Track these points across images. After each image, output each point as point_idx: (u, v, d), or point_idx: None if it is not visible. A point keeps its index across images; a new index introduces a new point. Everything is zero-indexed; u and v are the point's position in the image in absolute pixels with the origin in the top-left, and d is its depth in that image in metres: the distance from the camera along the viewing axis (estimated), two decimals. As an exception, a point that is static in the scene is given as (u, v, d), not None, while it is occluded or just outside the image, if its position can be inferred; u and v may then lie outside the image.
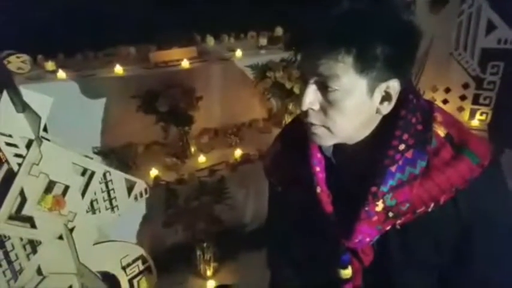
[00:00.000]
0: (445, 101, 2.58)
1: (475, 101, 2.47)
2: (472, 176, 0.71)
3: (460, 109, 2.54)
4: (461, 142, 0.73)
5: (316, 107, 0.71)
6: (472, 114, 2.50)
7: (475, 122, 2.47)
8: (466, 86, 2.48)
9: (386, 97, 0.71)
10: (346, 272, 0.82)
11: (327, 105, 0.70)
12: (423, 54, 2.42)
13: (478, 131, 2.39)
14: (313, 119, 0.72)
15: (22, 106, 1.19)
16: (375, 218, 0.73)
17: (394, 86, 0.69)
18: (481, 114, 2.48)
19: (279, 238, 0.99)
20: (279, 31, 2.71)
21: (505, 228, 0.77)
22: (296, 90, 2.22)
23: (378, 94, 0.70)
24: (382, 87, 0.69)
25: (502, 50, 2.32)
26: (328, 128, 0.72)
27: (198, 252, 1.87)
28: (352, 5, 0.65)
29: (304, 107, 0.71)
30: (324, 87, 0.69)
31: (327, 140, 0.74)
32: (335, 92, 0.68)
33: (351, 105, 0.69)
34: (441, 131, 0.74)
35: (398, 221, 0.74)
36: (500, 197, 0.76)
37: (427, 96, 2.57)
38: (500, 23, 2.29)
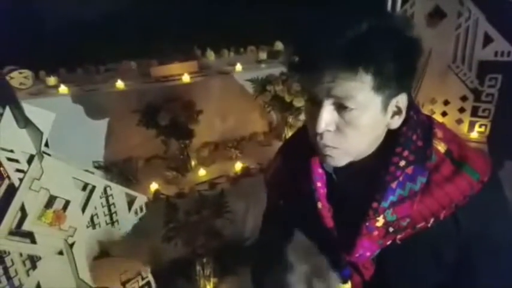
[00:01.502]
0: (444, 114, 2.59)
1: (474, 113, 2.48)
2: (472, 192, 0.71)
3: (459, 121, 2.55)
4: (461, 158, 0.73)
5: (332, 127, 0.69)
6: (471, 127, 2.50)
7: (474, 134, 2.48)
8: (464, 98, 2.49)
9: (397, 111, 0.72)
10: (346, 287, 0.81)
11: (344, 124, 0.69)
12: (422, 67, 2.44)
13: (477, 143, 2.39)
14: (329, 140, 0.70)
15: (24, 121, 1.20)
16: (376, 233, 0.73)
17: (403, 100, 0.71)
18: (480, 126, 2.48)
19: (275, 252, 0.98)
20: (278, 45, 2.74)
21: (505, 244, 0.77)
22: (296, 103, 2.24)
23: (390, 109, 0.71)
24: (393, 102, 0.70)
25: (500, 62, 2.33)
26: (343, 148, 0.71)
27: (198, 268, 1.86)
28: (369, 26, 0.65)
29: (320, 130, 0.68)
30: (340, 107, 0.68)
31: (341, 160, 0.73)
32: (352, 111, 0.67)
33: (368, 123, 0.69)
34: (441, 147, 0.74)
35: (399, 236, 0.74)
36: (500, 213, 0.76)
37: (426, 108, 2.59)
38: (496, 36, 2.32)
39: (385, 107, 0.69)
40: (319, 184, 0.79)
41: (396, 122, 0.73)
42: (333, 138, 0.70)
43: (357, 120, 0.68)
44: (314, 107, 0.70)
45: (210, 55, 2.63)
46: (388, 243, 0.75)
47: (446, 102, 2.58)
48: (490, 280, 0.76)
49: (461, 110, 2.53)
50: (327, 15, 0.70)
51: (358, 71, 0.64)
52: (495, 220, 0.74)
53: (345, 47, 0.63)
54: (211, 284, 1.90)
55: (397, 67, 0.65)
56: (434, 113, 2.58)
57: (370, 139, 0.72)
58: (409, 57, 0.67)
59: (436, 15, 2.44)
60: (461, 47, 2.43)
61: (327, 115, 0.68)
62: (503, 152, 2.37)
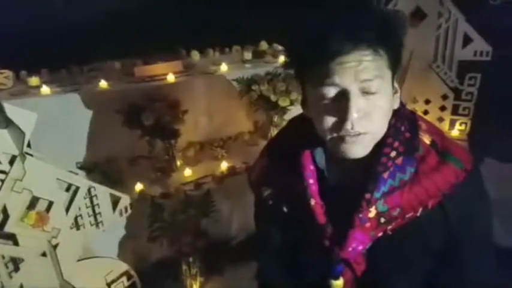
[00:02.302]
0: (425, 112, 2.65)
1: (454, 111, 2.54)
2: (457, 180, 0.74)
3: (440, 119, 2.61)
4: (445, 148, 0.77)
5: (360, 113, 0.69)
6: (452, 125, 2.56)
7: (455, 132, 2.54)
8: (445, 97, 2.55)
9: (396, 91, 0.77)
10: (338, 283, 0.82)
11: (370, 107, 0.70)
12: (404, 66, 2.48)
13: (458, 140, 2.45)
14: (360, 126, 0.70)
15: (5, 122, 1.18)
16: (368, 224, 0.75)
17: (395, 79, 0.76)
18: (461, 124, 2.54)
19: (269, 253, 0.98)
20: (263, 45, 2.76)
21: (488, 230, 0.81)
22: (281, 103, 2.25)
23: (393, 88, 0.76)
24: (394, 80, 0.75)
25: (479, 62, 2.40)
26: (372, 132, 0.72)
27: (184, 267, 1.86)
28: (383, 11, 0.73)
29: (353, 117, 0.68)
30: (364, 92, 0.69)
31: (367, 146, 0.73)
32: (376, 93, 0.69)
33: (387, 102, 0.72)
34: (426, 139, 0.78)
35: (389, 227, 0.76)
36: (482, 199, 0.80)
37: (408, 107, 2.62)
38: (476, 36, 2.38)
39: (392, 85, 0.74)
40: (311, 181, 0.80)
41: (397, 102, 0.77)
42: (362, 124, 0.70)
43: (380, 101, 0.70)
44: (334, 100, 0.70)
45: (195, 55, 2.62)
46: (380, 234, 0.77)
47: (427, 101, 2.63)
48: (476, 265, 0.80)
49: (442, 108, 2.59)
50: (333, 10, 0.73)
51: (379, 50, 0.68)
52: (479, 206, 0.78)
53: (372, 28, 0.67)
54: (198, 283, 1.90)
55: (401, 45, 0.73)
56: (416, 111, 2.62)
57: (388, 120, 0.75)
58: (402, 38, 0.73)
59: (418, 15, 2.48)
60: (441, 47, 2.48)
61: (356, 101, 0.69)
62: (483, 149, 2.43)
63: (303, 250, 0.87)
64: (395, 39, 0.71)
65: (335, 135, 0.72)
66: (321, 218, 0.79)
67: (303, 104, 0.81)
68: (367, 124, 0.70)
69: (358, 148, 0.73)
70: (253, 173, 0.95)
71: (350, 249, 0.77)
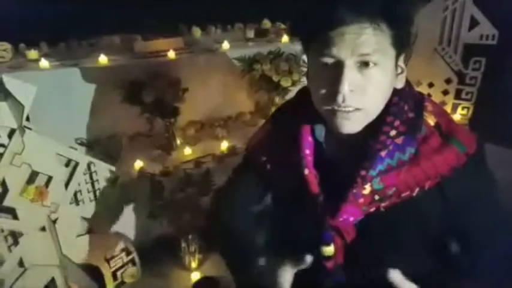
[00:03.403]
0: (428, 95, 2.62)
1: (457, 95, 2.52)
2: (458, 164, 0.74)
3: (443, 104, 2.58)
4: (449, 131, 0.76)
5: (354, 87, 0.69)
6: (454, 109, 2.54)
7: (456, 117, 2.52)
8: (448, 80, 2.52)
9: (401, 71, 0.76)
10: (329, 250, 0.82)
11: (366, 83, 0.70)
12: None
13: (459, 125, 2.44)
14: (352, 100, 0.70)
15: (4, 94, 1.16)
16: (361, 200, 0.75)
17: (402, 59, 0.75)
18: (463, 108, 2.52)
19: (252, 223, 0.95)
20: (266, 23, 2.71)
21: (487, 212, 0.80)
22: (283, 83, 2.23)
23: (398, 67, 0.74)
24: (399, 60, 0.74)
25: (484, 45, 2.36)
26: (365, 108, 0.72)
27: (183, 244, 1.87)
28: None
29: (344, 90, 0.69)
30: (360, 66, 0.69)
31: (360, 123, 0.74)
32: (373, 68, 0.69)
33: (386, 80, 0.71)
34: (431, 120, 0.77)
35: (383, 204, 0.76)
36: (483, 182, 0.79)
37: (412, 90, 2.61)
38: (482, 19, 2.33)
39: (395, 64, 0.73)
40: (307, 152, 0.81)
41: (401, 81, 0.77)
42: (355, 99, 0.70)
43: (377, 77, 0.70)
44: (329, 71, 0.70)
45: (196, 31, 2.57)
46: (372, 210, 0.77)
47: (431, 85, 2.60)
48: (473, 250, 0.79)
49: (445, 92, 2.56)
50: None
51: (381, 24, 0.67)
52: (478, 189, 0.77)
53: (375, 1, 0.66)
54: (196, 260, 1.91)
55: (409, 22, 0.71)
56: (419, 95, 2.60)
57: (385, 98, 0.74)
58: (412, 16, 0.71)
59: (424, -4, 2.43)
60: (447, 30, 2.44)
61: (350, 75, 0.69)
62: (484, 134, 2.41)
63: (293, 217, 0.86)
64: (401, 15, 0.69)
65: (327, 107, 0.73)
66: (314, 188, 0.80)
67: (306, 75, 0.81)
68: (360, 99, 0.70)
69: (350, 124, 0.73)
70: (253, 139, 0.97)
71: (341, 219, 0.77)
